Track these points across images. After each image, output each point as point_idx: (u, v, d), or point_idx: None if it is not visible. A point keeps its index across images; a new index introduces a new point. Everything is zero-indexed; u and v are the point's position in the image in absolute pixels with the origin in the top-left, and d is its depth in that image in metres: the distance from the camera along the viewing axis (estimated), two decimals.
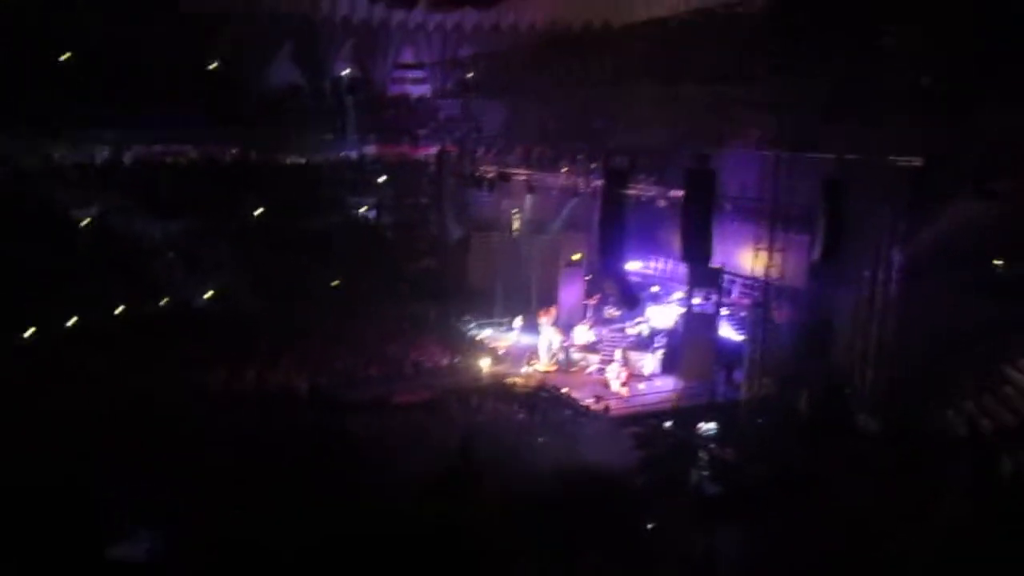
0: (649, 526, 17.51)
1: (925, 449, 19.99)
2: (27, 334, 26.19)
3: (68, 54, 38.98)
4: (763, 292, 23.96)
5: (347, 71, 46.66)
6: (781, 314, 25.04)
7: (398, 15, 43.31)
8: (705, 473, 20.28)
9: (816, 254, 22.20)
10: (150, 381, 23.60)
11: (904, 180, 21.06)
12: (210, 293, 32.54)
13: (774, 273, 23.37)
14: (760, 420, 23.13)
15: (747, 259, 25.26)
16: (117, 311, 29.07)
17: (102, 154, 38.52)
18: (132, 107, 37.79)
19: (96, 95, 37.12)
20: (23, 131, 35.20)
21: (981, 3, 17.47)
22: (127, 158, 39.00)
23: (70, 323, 27.50)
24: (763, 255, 23.40)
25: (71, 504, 16.49)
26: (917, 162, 20.60)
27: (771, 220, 22.98)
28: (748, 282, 26.74)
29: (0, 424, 20.16)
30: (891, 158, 20.94)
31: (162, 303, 30.96)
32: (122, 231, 33.79)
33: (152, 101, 38.19)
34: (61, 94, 36.17)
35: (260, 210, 37.82)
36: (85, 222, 33.82)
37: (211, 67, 42.59)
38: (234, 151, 41.13)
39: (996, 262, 23.51)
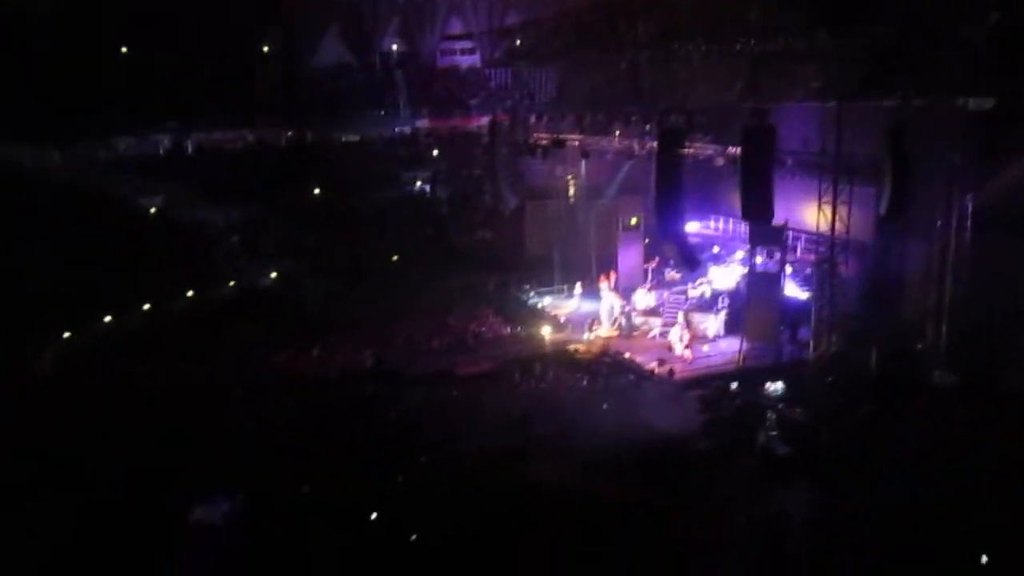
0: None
1: (1004, 404, 19.34)
2: (106, 320, 27.28)
3: (126, 49, 40.01)
4: (829, 248, 23.28)
5: (395, 46, 46.75)
6: (848, 269, 24.36)
7: None
8: (774, 434, 19.99)
9: (883, 207, 21.42)
10: (220, 362, 24.45)
11: (975, 124, 20.12)
12: (273, 275, 33.31)
13: (839, 228, 22.67)
14: (829, 379, 22.64)
15: (811, 214, 24.54)
16: (187, 295, 30.00)
17: (165, 144, 39.65)
18: (190, 96, 38.71)
19: (156, 87, 38.07)
20: (91, 128, 36.46)
21: None
22: (188, 147, 40.06)
23: (145, 308, 28.50)
24: (827, 210, 22.71)
25: (153, 471, 17.41)
26: (988, 104, 19.64)
27: (834, 173, 22.24)
28: (813, 238, 26.06)
29: (87, 402, 21.24)
30: (959, 102, 20.00)
31: (229, 286, 31.79)
32: (187, 218, 34.79)
33: (208, 89, 39.04)
34: (122, 88, 37.23)
35: (317, 190, 38.43)
36: (152, 211, 34.93)
37: (263, 51, 43.19)
38: (289, 133, 41.81)
39: None
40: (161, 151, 39.50)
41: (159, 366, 23.89)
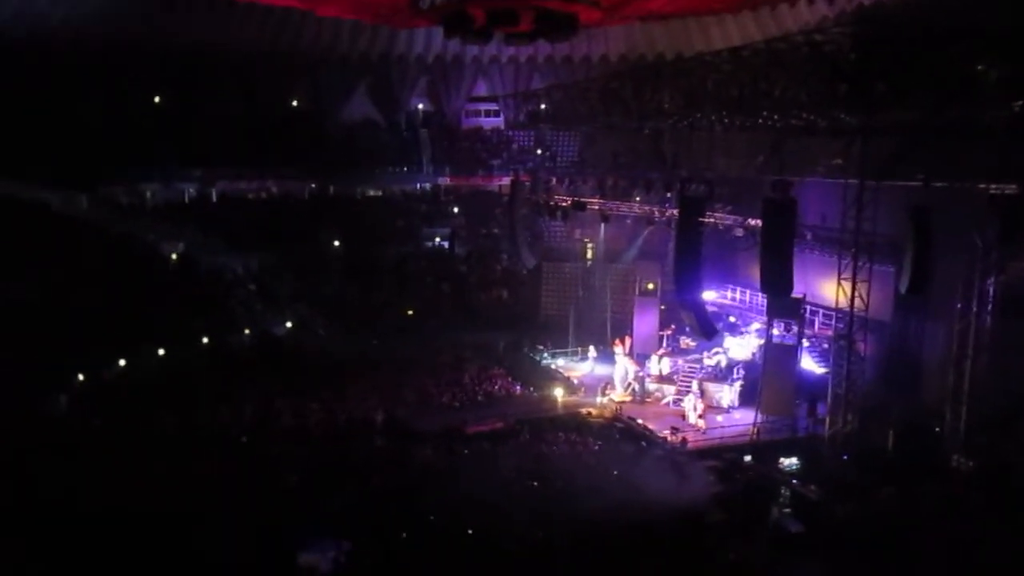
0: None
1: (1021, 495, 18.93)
2: (121, 364, 27.31)
3: (158, 99, 41.04)
4: (847, 324, 23.17)
5: (421, 105, 47.76)
6: (866, 347, 24.18)
7: (472, 50, 44.08)
8: (787, 510, 19.61)
9: (903, 285, 21.36)
10: (232, 409, 24.37)
11: (997, 208, 20.15)
12: (289, 324, 33.43)
13: (858, 304, 22.59)
14: (845, 457, 22.29)
15: (829, 290, 24.52)
16: (203, 341, 30.08)
17: (190, 192, 40.35)
18: (217, 146, 39.56)
19: (185, 136, 38.93)
20: (119, 173, 37.22)
21: None
22: (213, 195, 40.74)
23: (160, 352, 28.55)
24: (846, 286, 22.67)
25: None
26: (1011, 189, 19.69)
27: (855, 250, 22.27)
28: (830, 313, 25.96)
29: (97, 444, 21.17)
30: (982, 185, 20.07)
31: (245, 333, 31.88)
32: (207, 265, 35.15)
33: (236, 140, 39.90)
34: (152, 137, 38.08)
35: (337, 242, 38.85)
36: (173, 257, 35.32)
37: (292, 106, 44.20)
38: (313, 185, 42.52)
39: None
40: (186, 198, 40.14)
41: (172, 411, 23.83)
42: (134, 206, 37.68)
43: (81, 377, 25.81)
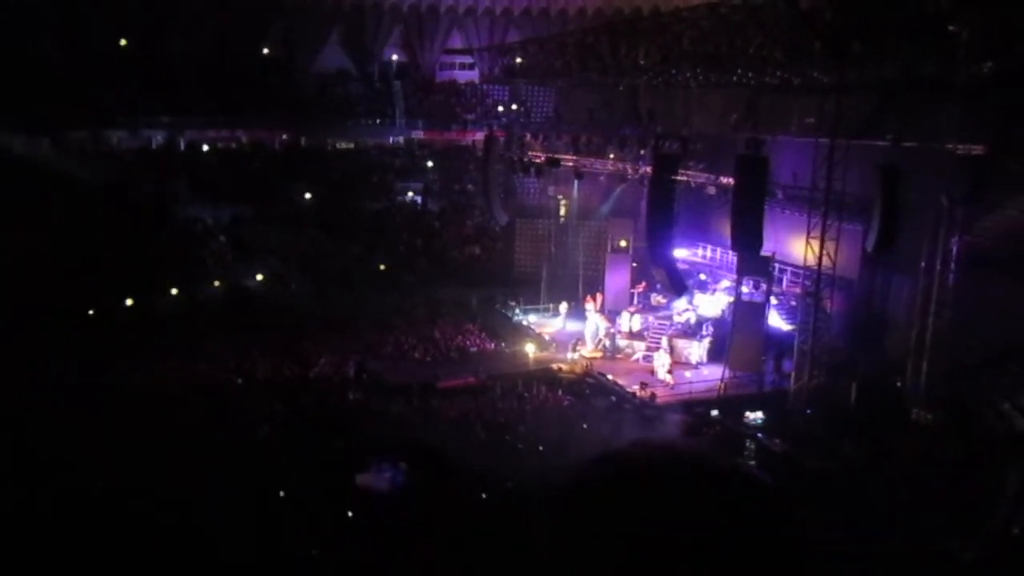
0: None
1: (981, 444, 19.52)
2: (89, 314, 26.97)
3: (125, 42, 39.92)
4: (814, 281, 23.51)
5: (395, 56, 46.97)
6: (833, 304, 24.59)
7: (447, 0, 43.31)
8: (752, 463, 20.05)
9: (870, 243, 21.71)
10: (203, 361, 24.25)
11: (964, 168, 20.44)
12: (260, 276, 33.16)
13: (826, 262, 22.90)
14: (809, 411, 22.78)
15: (798, 247, 24.80)
16: (172, 293, 29.76)
17: (157, 139, 39.50)
18: (186, 93, 38.68)
19: (152, 82, 38.02)
20: (84, 118, 36.28)
21: None
22: (181, 143, 39.93)
23: (127, 304, 28.22)
24: (815, 244, 22.94)
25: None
26: (978, 149, 19.97)
27: (824, 208, 22.49)
28: (799, 271, 26.30)
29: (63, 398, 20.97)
30: (950, 146, 20.32)
31: (215, 285, 31.58)
32: (176, 215, 34.59)
33: (205, 87, 39.05)
34: (119, 81, 37.14)
35: (308, 195, 38.41)
36: (141, 206, 34.68)
37: (263, 54, 43.26)
38: (284, 136, 41.83)
39: None
40: (153, 145, 39.32)
41: (140, 362, 23.64)
42: (99, 152, 36.77)
43: (48, 327, 25.42)
